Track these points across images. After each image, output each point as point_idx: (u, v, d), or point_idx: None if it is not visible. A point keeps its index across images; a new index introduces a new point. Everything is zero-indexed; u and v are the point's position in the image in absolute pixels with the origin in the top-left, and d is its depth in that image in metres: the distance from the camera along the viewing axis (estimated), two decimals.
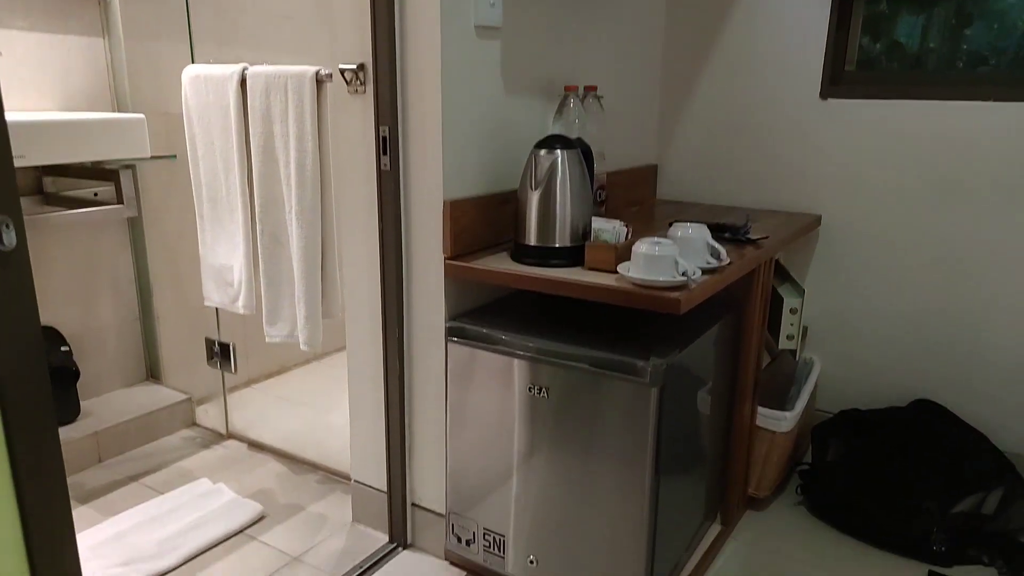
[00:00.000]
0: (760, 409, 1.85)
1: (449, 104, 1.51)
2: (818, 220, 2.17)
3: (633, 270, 1.37)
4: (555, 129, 1.78)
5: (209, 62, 1.99)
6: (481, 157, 1.63)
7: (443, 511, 1.69)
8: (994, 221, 1.97)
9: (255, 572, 1.67)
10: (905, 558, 1.77)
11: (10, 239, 0.89)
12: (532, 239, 1.53)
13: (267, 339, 1.98)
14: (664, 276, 1.33)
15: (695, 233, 1.48)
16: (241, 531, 1.82)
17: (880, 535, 1.81)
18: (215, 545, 1.76)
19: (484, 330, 1.51)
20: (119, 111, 2.26)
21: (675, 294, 1.30)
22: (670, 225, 1.54)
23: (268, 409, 2.50)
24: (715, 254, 1.48)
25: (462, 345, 1.54)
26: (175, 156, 2.21)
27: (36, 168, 2.16)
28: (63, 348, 2.20)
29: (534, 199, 1.51)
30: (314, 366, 2.91)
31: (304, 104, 1.77)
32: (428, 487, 1.73)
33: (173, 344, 2.46)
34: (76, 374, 2.21)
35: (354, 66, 1.58)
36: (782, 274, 2.05)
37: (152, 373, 2.49)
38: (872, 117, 2.07)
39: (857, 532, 1.85)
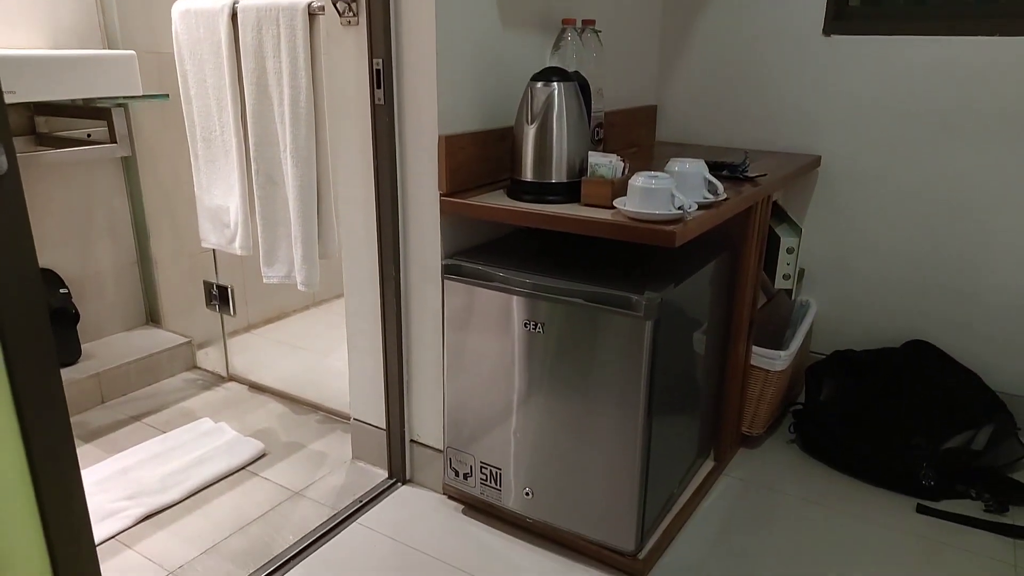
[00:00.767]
0: (755, 348, 1.86)
1: (444, 35, 1.48)
2: (818, 160, 2.15)
3: (629, 204, 1.36)
4: (552, 63, 1.75)
5: None
6: (477, 92, 1.61)
7: (441, 447, 1.71)
8: (996, 159, 1.95)
9: (258, 506, 1.70)
10: (895, 492, 1.80)
11: (1, 164, 0.88)
12: (528, 175, 1.52)
13: (264, 280, 1.98)
14: (660, 210, 1.32)
15: (692, 168, 1.46)
16: (243, 467, 1.85)
17: (871, 471, 1.84)
18: (218, 480, 1.79)
19: (480, 267, 1.51)
20: (110, 49, 2.23)
21: (671, 227, 1.29)
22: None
23: (268, 352, 2.52)
24: (712, 189, 1.47)
25: (458, 283, 1.54)
26: (168, 96, 2.18)
27: (28, 108, 2.14)
28: (62, 290, 2.21)
29: (530, 133, 1.50)
30: (313, 312, 2.92)
31: (297, 38, 1.74)
32: (426, 423, 1.75)
33: (172, 287, 2.47)
34: (76, 316, 2.22)
35: None
36: (780, 214, 2.04)
37: (152, 317, 2.50)
38: (875, 54, 2.03)
39: (848, 468, 1.88)
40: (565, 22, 1.72)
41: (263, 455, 1.91)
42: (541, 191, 1.51)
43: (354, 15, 1.56)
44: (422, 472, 1.79)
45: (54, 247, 2.21)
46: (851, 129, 2.11)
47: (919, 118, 2.02)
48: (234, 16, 1.83)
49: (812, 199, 2.22)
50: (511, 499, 1.60)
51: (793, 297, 2.11)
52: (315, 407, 2.17)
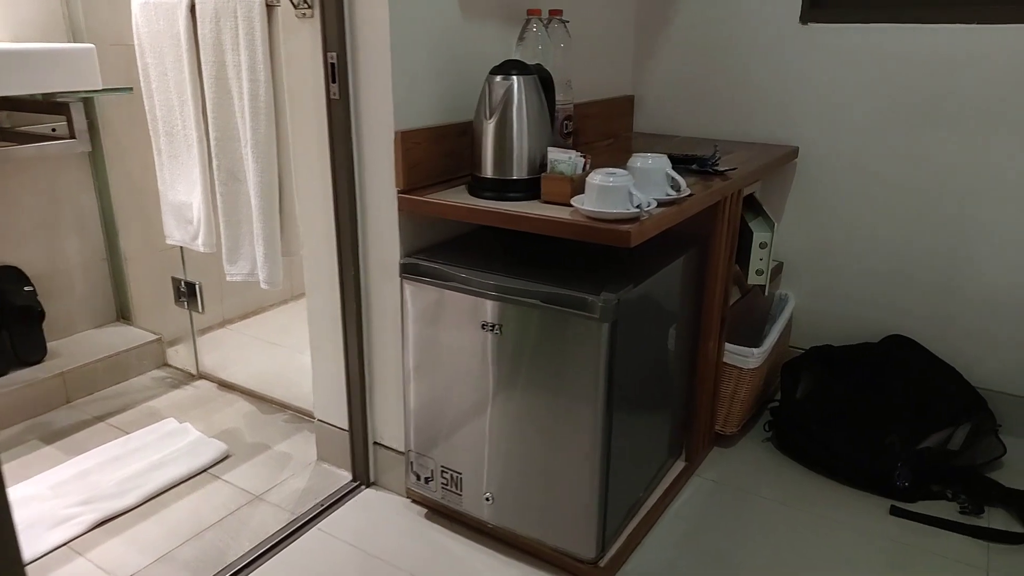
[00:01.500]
0: (728, 345, 1.82)
1: (399, 27, 1.44)
2: (795, 152, 2.10)
3: (587, 202, 1.32)
4: (517, 56, 1.70)
5: None
6: (437, 85, 1.56)
7: (404, 449, 1.67)
8: (977, 150, 1.90)
9: (216, 510, 1.67)
10: (869, 494, 1.77)
11: None
12: (489, 171, 1.48)
13: (228, 278, 1.94)
14: (617, 208, 1.28)
15: (654, 164, 1.42)
16: (205, 470, 1.81)
17: (846, 471, 1.80)
18: (178, 484, 1.75)
19: (437, 266, 1.46)
20: (75, 42, 2.17)
21: (626, 227, 1.25)
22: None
23: (240, 349, 2.48)
24: (675, 185, 1.42)
25: (415, 282, 1.50)
26: (131, 89, 2.13)
27: None
28: (27, 288, 2.17)
29: (489, 129, 1.45)
30: (292, 306, 2.88)
31: (255, 31, 1.69)
32: (389, 425, 1.72)
33: (142, 284, 2.43)
34: (41, 314, 2.18)
35: None
36: (755, 208, 1.99)
37: (122, 314, 2.46)
38: (853, 42, 1.98)
39: (824, 468, 1.85)
40: (530, 12, 1.66)
41: (226, 457, 1.87)
42: (502, 188, 1.47)
43: (308, 7, 1.51)
44: (386, 475, 1.76)
45: (19, 244, 2.17)
46: (829, 119, 2.06)
47: (898, 108, 1.97)
48: (192, 8, 1.78)
49: (790, 190, 2.17)
50: (472, 504, 1.56)
51: (766, 292, 2.07)
52: (283, 406, 2.13)
